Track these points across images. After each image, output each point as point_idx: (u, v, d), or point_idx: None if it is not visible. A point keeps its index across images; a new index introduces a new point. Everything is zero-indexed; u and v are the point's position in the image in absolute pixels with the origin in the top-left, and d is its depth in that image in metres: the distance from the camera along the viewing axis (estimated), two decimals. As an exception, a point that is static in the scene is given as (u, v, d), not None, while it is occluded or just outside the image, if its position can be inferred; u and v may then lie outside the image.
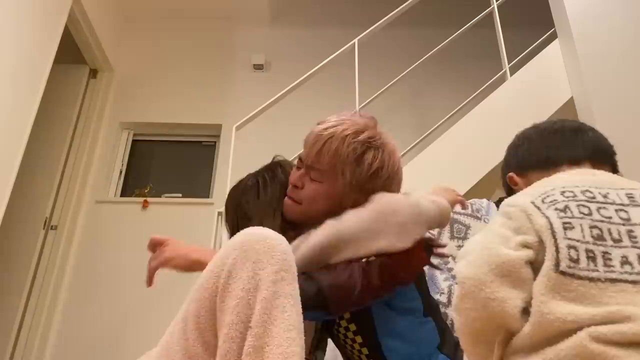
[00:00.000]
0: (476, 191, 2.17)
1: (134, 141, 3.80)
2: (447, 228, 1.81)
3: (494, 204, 1.58)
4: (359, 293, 0.92)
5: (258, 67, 3.95)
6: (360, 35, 2.69)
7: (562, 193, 0.74)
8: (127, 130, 3.79)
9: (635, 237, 0.68)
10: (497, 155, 2.34)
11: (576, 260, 0.66)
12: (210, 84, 3.87)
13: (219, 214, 2.09)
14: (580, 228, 0.68)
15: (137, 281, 3.20)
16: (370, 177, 1.04)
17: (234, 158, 2.41)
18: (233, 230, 1.16)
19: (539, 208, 0.73)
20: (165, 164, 3.79)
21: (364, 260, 0.95)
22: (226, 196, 1.23)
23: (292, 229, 1.08)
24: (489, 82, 2.72)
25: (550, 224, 0.69)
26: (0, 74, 2.42)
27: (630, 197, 0.74)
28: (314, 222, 1.03)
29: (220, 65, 3.95)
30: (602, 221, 0.69)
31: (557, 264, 0.66)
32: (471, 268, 0.72)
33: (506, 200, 0.80)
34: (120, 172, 3.64)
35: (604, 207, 0.71)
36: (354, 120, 1.09)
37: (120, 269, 3.19)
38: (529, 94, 2.54)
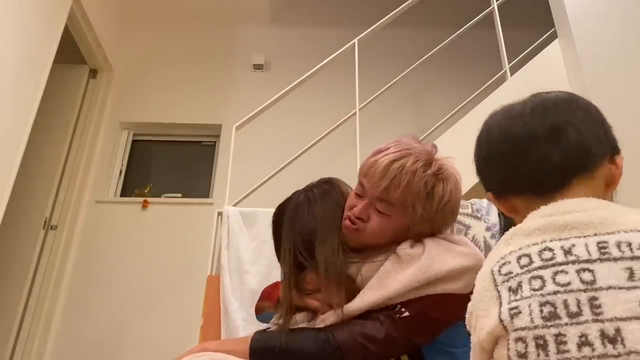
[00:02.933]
0: (476, 191, 2.17)
1: (133, 141, 3.80)
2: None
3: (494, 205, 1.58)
4: (380, 345, 0.94)
5: (258, 67, 3.95)
6: (360, 35, 2.69)
7: (519, 260, 0.62)
8: (127, 130, 3.79)
9: (598, 307, 0.54)
10: (497, 155, 2.33)
11: (524, 355, 0.55)
12: (210, 84, 3.87)
13: (219, 214, 2.08)
14: (529, 310, 0.56)
15: (137, 281, 3.21)
16: (439, 210, 1.04)
17: (234, 158, 2.40)
18: (292, 247, 1.11)
19: (494, 281, 0.62)
20: (165, 164, 3.79)
21: (397, 315, 0.96)
22: (273, 215, 1.21)
23: (350, 249, 1.08)
24: (489, 82, 2.72)
25: (500, 314, 0.59)
26: (1, 74, 2.42)
27: (602, 247, 0.58)
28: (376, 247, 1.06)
29: (220, 65, 3.95)
30: (556, 292, 0.56)
31: None
32: None
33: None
34: (120, 172, 3.64)
35: (563, 271, 0.58)
36: (419, 150, 1.06)
37: (120, 269, 3.19)
38: (529, 94, 2.53)
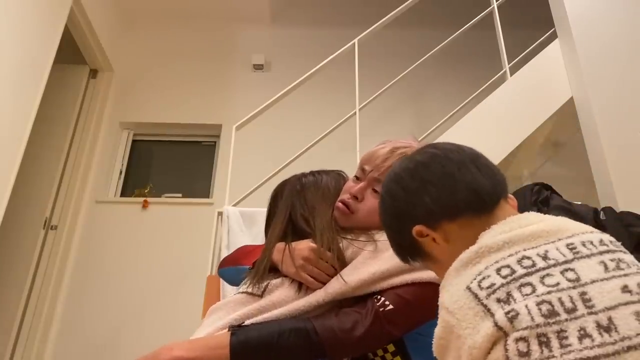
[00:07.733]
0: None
1: (134, 141, 3.80)
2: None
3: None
4: (361, 340, 0.93)
5: (258, 67, 3.95)
6: (360, 35, 2.69)
7: (499, 271, 0.63)
8: (127, 130, 3.79)
9: (589, 301, 0.58)
10: (497, 155, 2.34)
11: (526, 353, 0.56)
12: (210, 84, 3.87)
13: (219, 214, 2.09)
14: (527, 310, 0.58)
15: (136, 281, 3.22)
16: None
17: (234, 158, 2.41)
18: (283, 214, 1.16)
19: (477, 297, 0.62)
20: (165, 164, 3.79)
21: (381, 309, 0.96)
22: (275, 188, 1.25)
23: (340, 228, 1.12)
24: (489, 82, 2.72)
25: (496, 323, 0.59)
26: (1, 74, 2.42)
27: (571, 248, 0.64)
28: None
29: (220, 66, 3.95)
30: (549, 292, 0.59)
31: None
32: None
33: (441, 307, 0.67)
34: (120, 172, 3.64)
35: (548, 274, 0.61)
36: (417, 144, 1.13)
37: (120, 269, 3.19)
38: (529, 94, 2.54)
